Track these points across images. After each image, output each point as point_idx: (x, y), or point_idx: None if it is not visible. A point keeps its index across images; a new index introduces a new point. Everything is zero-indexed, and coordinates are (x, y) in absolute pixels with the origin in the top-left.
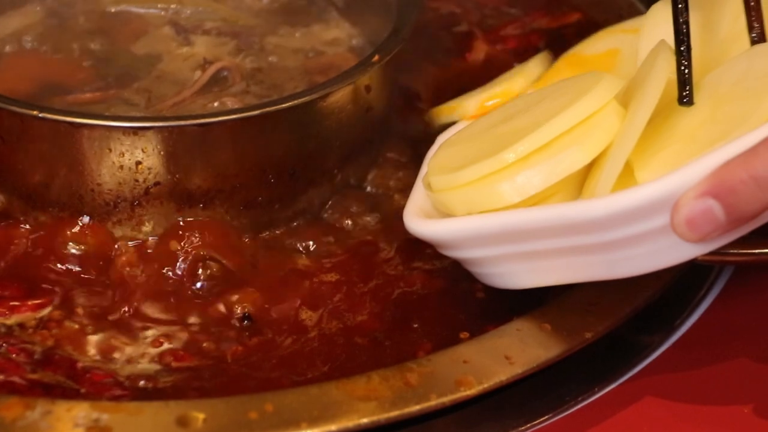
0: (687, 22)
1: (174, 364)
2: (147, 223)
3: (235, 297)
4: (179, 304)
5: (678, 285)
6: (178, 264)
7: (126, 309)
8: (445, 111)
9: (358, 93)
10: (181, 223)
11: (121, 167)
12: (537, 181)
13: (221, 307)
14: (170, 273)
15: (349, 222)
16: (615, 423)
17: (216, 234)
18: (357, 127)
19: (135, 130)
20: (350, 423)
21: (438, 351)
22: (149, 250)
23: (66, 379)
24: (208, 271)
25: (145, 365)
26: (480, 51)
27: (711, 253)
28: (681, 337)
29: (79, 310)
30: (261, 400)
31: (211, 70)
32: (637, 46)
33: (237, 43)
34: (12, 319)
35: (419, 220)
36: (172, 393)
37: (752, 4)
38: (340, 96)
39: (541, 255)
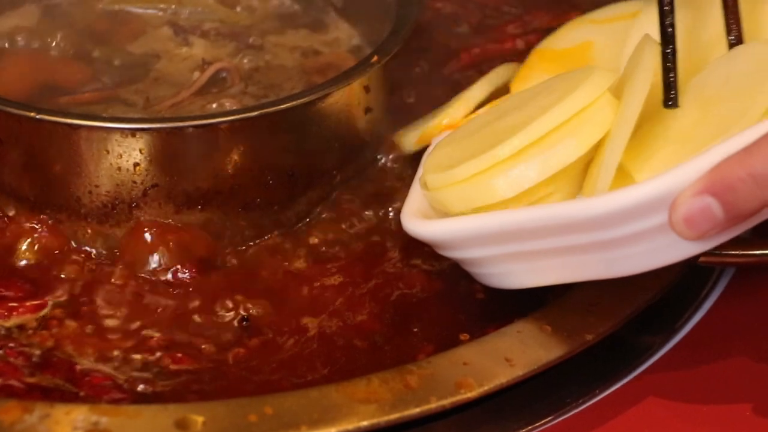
0: (673, 25)
1: (173, 367)
2: (145, 226)
3: (238, 298)
4: (177, 306)
5: (679, 286)
6: (165, 264)
7: (125, 310)
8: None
9: (357, 93)
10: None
11: (119, 169)
12: (531, 175)
13: (221, 309)
14: (162, 274)
15: (349, 223)
16: (616, 425)
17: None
18: (356, 127)
19: (133, 132)
20: (350, 426)
21: (438, 353)
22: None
23: (65, 382)
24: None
25: (144, 368)
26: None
27: (712, 255)
28: (682, 339)
29: (78, 313)
30: (260, 403)
31: (210, 71)
32: (611, 38)
33: (236, 43)
34: (11, 321)
35: (417, 220)
36: (171, 396)
37: (730, 4)
38: (339, 97)
39: (539, 254)
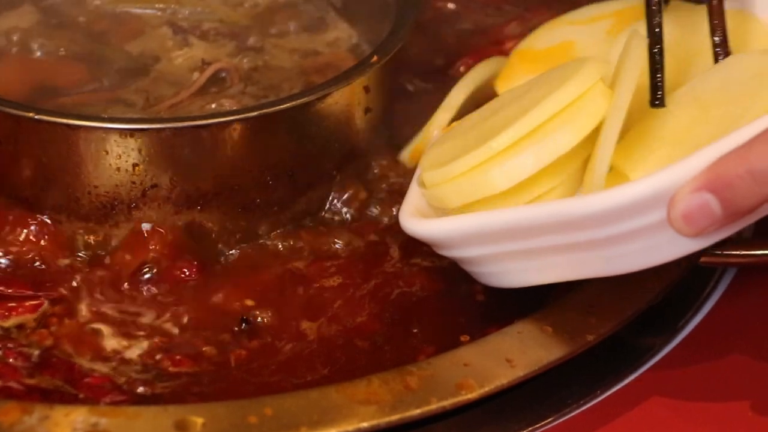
0: (660, 25)
1: (172, 369)
2: (144, 226)
3: (238, 299)
4: (177, 307)
5: (680, 286)
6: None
7: (124, 311)
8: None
9: (356, 94)
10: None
11: (118, 169)
12: (527, 165)
13: (221, 311)
14: (161, 276)
15: (349, 223)
16: (618, 426)
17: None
18: (356, 128)
19: (132, 132)
20: (350, 427)
21: (438, 354)
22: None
23: (64, 384)
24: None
25: (143, 369)
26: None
27: (713, 255)
28: (684, 339)
29: (77, 314)
30: (260, 405)
31: (209, 71)
32: (592, 38)
33: (235, 44)
34: (10, 321)
35: (415, 219)
36: (171, 397)
37: (716, 18)
38: (339, 97)
39: (538, 252)
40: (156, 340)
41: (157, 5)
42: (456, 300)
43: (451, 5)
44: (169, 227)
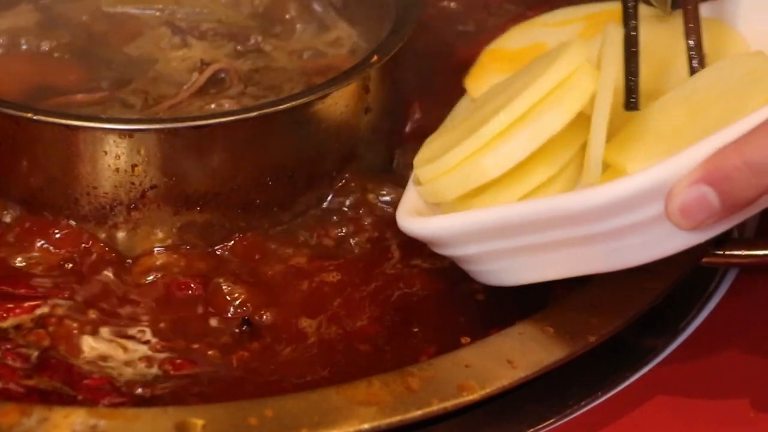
0: (636, 28)
1: (172, 372)
2: (144, 227)
3: (238, 300)
4: (177, 308)
5: (682, 287)
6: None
7: (123, 312)
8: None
9: (357, 94)
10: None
11: (117, 170)
12: (519, 149)
13: (222, 312)
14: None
15: (349, 224)
16: (619, 427)
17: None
18: (356, 128)
19: (131, 133)
20: (351, 428)
21: (439, 355)
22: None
23: (62, 385)
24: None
25: (143, 371)
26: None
27: (715, 255)
28: (685, 340)
29: (77, 315)
30: (261, 406)
31: (208, 71)
32: (564, 40)
33: (234, 44)
34: (8, 322)
35: (412, 218)
36: (171, 399)
37: (689, 9)
38: (339, 97)
39: (536, 249)
40: (156, 341)
41: (155, 6)
42: (457, 301)
43: (452, 4)
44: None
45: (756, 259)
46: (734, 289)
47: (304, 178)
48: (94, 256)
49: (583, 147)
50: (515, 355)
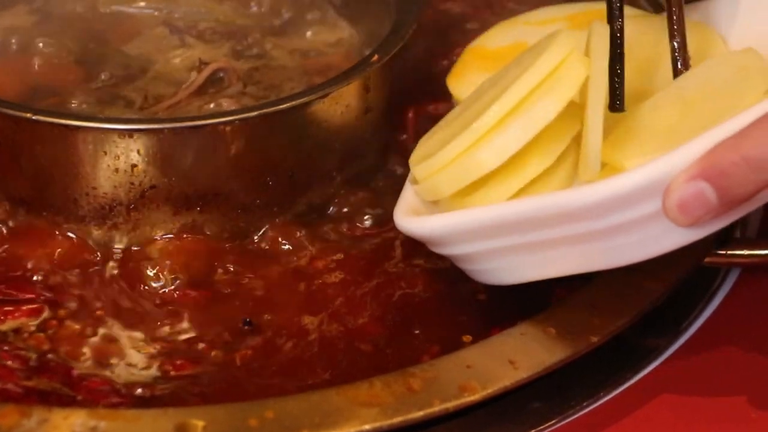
0: (621, 29)
1: (173, 372)
2: (143, 227)
3: (239, 301)
4: (177, 309)
5: (684, 287)
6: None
7: (123, 313)
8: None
9: (357, 93)
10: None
11: (117, 170)
12: (514, 140)
13: (222, 312)
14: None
15: (349, 224)
16: (621, 427)
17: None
18: (356, 128)
19: (130, 133)
20: (352, 430)
21: (441, 355)
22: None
23: (62, 386)
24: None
25: (142, 372)
26: None
27: (718, 255)
28: (688, 340)
29: (76, 316)
30: (261, 407)
31: (207, 71)
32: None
33: (233, 43)
34: (6, 325)
35: (409, 217)
36: (171, 400)
37: (674, 10)
38: (340, 97)
39: (534, 247)
40: (156, 342)
41: (152, 5)
42: (458, 301)
43: (455, 4)
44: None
45: (758, 259)
46: (736, 289)
47: (304, 178)
48: (93, 257)
49: (577, 138)
50: (517, 356)
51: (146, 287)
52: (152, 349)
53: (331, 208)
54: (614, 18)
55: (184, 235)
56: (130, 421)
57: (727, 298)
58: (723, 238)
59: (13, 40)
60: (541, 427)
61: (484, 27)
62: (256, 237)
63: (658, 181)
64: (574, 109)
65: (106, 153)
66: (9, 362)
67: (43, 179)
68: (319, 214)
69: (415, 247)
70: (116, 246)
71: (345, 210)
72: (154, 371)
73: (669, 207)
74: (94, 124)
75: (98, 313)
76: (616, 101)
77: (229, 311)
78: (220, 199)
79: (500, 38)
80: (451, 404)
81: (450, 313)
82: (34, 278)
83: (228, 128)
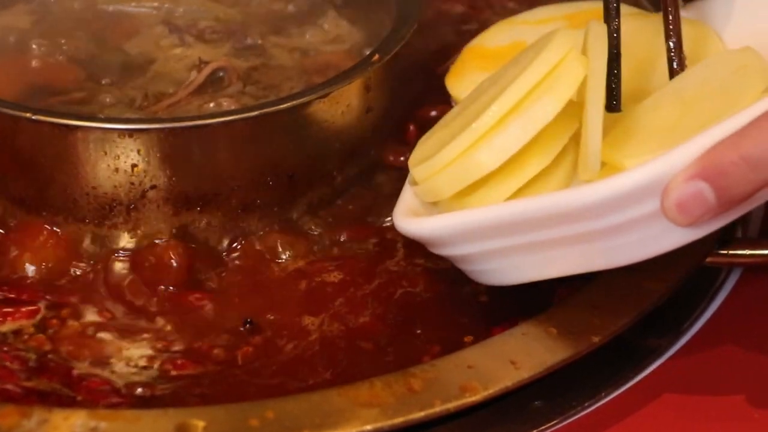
0: (618, 29)
1: (173, 372)
2: (143, 227)
3: (239, 301)
4: (177, 310)
5: (686, 287)
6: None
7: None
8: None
9: (358, 93)
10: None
11: (117, 170)
12: (514, 140)
13: (223, 313)
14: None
15: (350, 224)
16: (623, 428)
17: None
18: (357, 128)
19: (130, 132)
20: (353, 430)
21: (442, 355)
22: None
23: (62, 387)
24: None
25: (143, 372)
26: None
27: (719, 255)
28: (689, 340)
29: (76, 317)
30: (262, 407)
31: (207, 70)
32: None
33: (233, 42)
34: (6, 326)
35: (408, 219)
36: (171, 400)
37: (670, 9)
38: (340, 96)
39: (534, 247)
40: (157, 343)
41: (151, 4)
42: (459, 301)
43: (455, 3)
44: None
45: (760, 259)
46: (738, 288)
47: (305, 178)
48: (93, 257)
49: (575, 138)
50: (518, 356)
51: (147, 287)
52: (153, 349)
53: (332, 208)
54: (611, 18)
55: (185, 235)
56: (131, 421)
57: (728, 298)
58: (724, 237)
59: (12, 40)
60: (543, 428)
61: (485, 27)
62: (256, 237)
63: (657, 181)
64: (572, 108)
65: (106, 153)
66: (8, 363)
67: (43, 179)
68: (319, 213)
69: (417, 247)
70: (116, 246)
71: (346, 209)
72: (154, 371)
73: (668, 207)
74: (94, 124)
75: (98, 313)
76: (613, 101)
77: (230, 311)
78: (220, 199)
79: (499, 37)
80: (452, 405)
81: (451, 313)
82: (34, 279)
83: (229, 128)
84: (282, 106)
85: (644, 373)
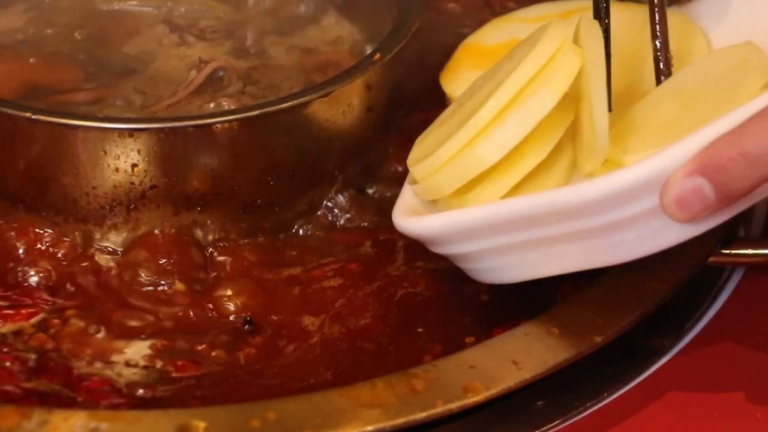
0: (608, 29)
1: (174, 373)
2: (143, 227)
3: (240, 301)
4: (177, 310)
5: (688, 287)
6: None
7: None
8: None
9: (359, 92)
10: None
11: (117, 170)
12: (512, 134)
13: (223, 313)
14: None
15: (351, 224)
16: (626, 428)
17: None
18: (358, 127)
19: (131, 132)
20: (354, 431)
21: (444, 356)
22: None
23: (62, 387)
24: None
25: (144, 372)
26: None
27: (722, 255)
28: (692, 340)
29: (76, 317)
30: (263, 408)
31: (207, 69)
32: None
33: (233, 42)
34: (6, 328)
35: (408, 218)
36: (172, 401)
37: (656, 11)
38: (341, 96)
39: (534, 245)
40: (157, 344)
41: (152, 3)
42: (461, 301)
43: (455, 4)
44: (172, 236)
45: (763, 259)
46: (741, 288)
47: (305, 178)
48: (93, 258)
49: (572, 134)
50: (520, 356)
51: (147, 287)
52: (153, 350)
53: (332, 208)
54: (600, 18)
55: (185, 236)
56: (131, 422)
57: (731, 297)
58: (727, 237)
59: (12, 39)
60: (545, 428)
61: None
62: (256, 237)
63: (656, 177)
64: (566, 99)
65: (106, 153)
66: (8, 364)
67: (42, 179)
68: (320, 213)
69: (418, 247)
70: (117, 246)
71: (346, 209)
72: (155, 372)
73: (667, 203)
74: (93, 124)
75: (98, 313)
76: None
77: (231, 311)
78: (220, 198)
79: (495, 35)
80: (454, 405)
81: (453, 313)
82: (34, 279)
83: (229, 128)
84: (282, 106)
85: (647, 373)
